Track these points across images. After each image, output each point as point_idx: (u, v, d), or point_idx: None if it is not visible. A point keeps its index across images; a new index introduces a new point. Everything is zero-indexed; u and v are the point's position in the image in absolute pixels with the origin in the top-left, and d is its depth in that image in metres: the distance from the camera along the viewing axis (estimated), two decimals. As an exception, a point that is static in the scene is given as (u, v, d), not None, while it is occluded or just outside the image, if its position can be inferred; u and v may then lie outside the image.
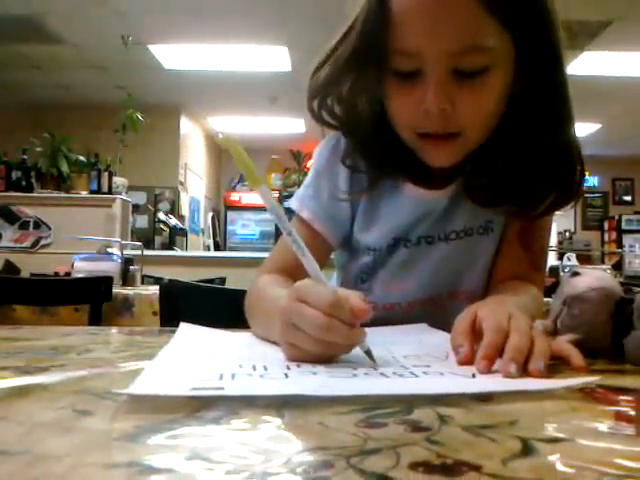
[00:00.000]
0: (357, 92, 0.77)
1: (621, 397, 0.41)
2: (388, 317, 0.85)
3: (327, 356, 0.52)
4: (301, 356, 0.52)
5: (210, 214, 8.81)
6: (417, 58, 0.68)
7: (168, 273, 3.52)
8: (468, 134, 0.72)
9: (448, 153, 0.75)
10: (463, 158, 0.77)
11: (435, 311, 0.87)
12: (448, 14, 0.65)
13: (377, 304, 0.89)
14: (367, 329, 0.51)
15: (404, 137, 0.77)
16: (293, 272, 0.76)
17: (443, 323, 0.77)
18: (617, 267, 5.30)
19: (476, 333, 0.53)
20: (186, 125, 7.60)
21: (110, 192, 4.63)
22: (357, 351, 0.52)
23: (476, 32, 0.66)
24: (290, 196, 1.02)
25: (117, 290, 2.41)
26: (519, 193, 0.79)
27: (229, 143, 0.50)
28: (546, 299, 1.06)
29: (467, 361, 0.50)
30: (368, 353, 0.52)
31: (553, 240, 9.04)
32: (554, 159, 0.77)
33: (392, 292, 0.89)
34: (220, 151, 9.33)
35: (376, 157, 0.83)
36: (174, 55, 5.70)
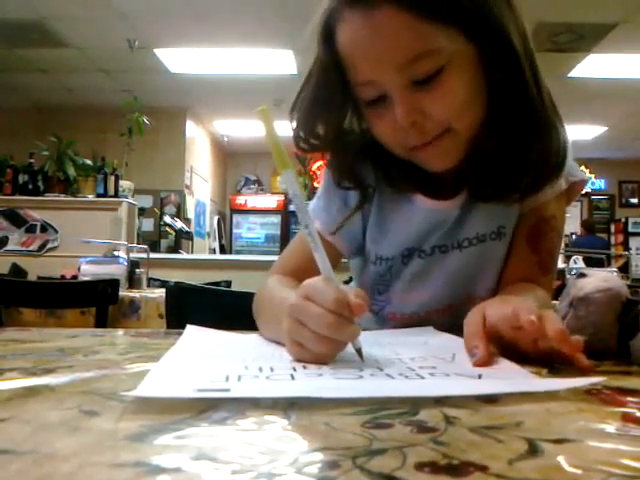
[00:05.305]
0: (339, 127, 0.80)
1: (628, 398, 0.41)
2: (407, 327, 0.86)
3: (328, 355, 0.52)
4: (303, 355, 0.52)
5: (216, 217, 8.82)
6: (374, 85, 0.71)
7: (174, 276, 3.54)
8: (455, 127, 0.73)
9: (444, 153, 0.76)
10: (463, 156, 0.77)
11: (453, 319, 0.86)
12: (386, 36, 0.67)
13: (395, 314, 0.89)
14: (374, 332, 0.51)
15: (398, 155, 0.78)
16: (303, 275, 0.76)
17: (462, 330, 0.77)
18: (623, 269, 5.28)
19: (487, 333, 0.53)
20: (192, 128, 7.63)
21: (116, 195, 4.66)
22: (350, 349, 0.52)
23: (418, 42, 0.67)
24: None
25: (123, 293, 2.41)
26: (517, 182, 0.79)
27: (265, 117, 0.47)
28: (553, 302, 1.05)
29: (483, 362, 0.50)
30: (359, 351, 0.53)
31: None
32: (539, 147, 0.77)
33: (409, 302, 0.89)
34: (225, 154, 9.35)
35: (382, 175, 0.85)
36: (180, 59, 5.72)
